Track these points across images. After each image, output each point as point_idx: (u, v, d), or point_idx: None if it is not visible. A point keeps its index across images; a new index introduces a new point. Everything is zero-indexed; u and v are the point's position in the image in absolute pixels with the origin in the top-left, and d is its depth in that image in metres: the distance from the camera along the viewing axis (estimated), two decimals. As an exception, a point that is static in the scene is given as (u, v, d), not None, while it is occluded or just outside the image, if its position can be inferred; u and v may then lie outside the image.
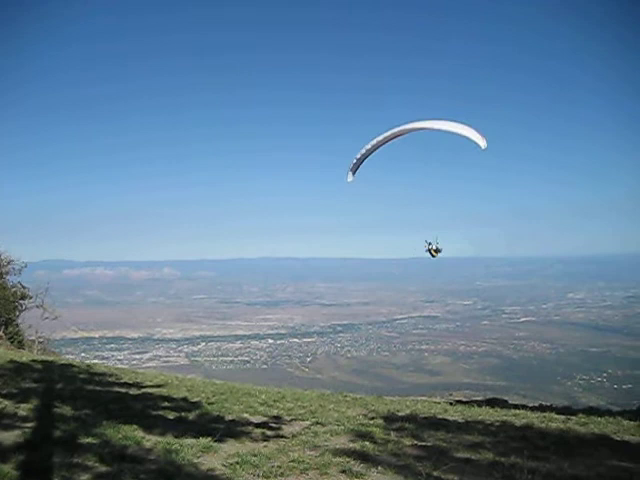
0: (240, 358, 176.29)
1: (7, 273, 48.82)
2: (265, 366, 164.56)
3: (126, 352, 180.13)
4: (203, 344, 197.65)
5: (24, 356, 28.13)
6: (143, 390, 17.58)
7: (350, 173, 21.28)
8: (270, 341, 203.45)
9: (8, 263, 48.50)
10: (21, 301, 48.48)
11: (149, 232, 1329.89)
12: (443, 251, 22.04)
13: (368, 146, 20.51)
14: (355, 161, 20.90)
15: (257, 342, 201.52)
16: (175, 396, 16.52)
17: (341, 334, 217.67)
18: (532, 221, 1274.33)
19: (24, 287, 49.10)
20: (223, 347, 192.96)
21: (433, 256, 22.51)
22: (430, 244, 21.98)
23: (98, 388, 17.39)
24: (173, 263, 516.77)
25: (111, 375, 21.27)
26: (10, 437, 9.48)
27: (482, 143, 19.43)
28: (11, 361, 22.19)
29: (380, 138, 20.24)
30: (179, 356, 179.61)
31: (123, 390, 17.20)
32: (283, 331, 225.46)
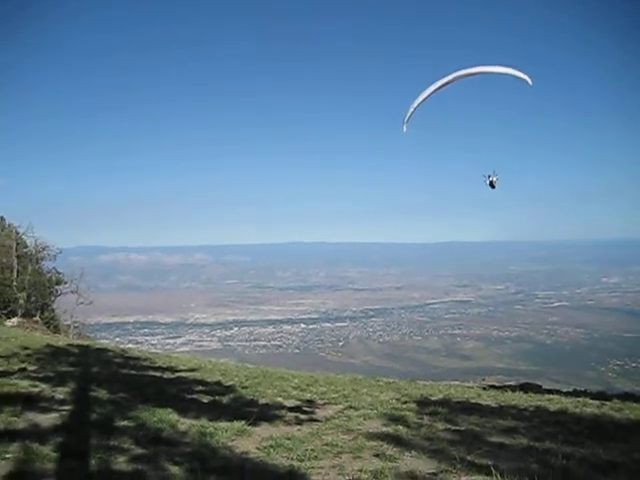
0: (273, 342, 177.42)
1: (42, 259, 49.51)
2: (297, 350, 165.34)
3: (159, 337, 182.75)
4: (236, 329, 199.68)
5: (60, 340, 28.55)
6: (177, 374, 17.73)
7: (405, 125, 21.39)
8: (302, 326, 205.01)
9: (43, 249, 49.14)
10: (56, 286, 49.20)
11: (181, 217, 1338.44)
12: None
13: (420, 98, 20.83)
14: (409, 113, 21.13)
15: (289, 327, 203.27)
16: (209, 380, 16.64)
17: (373, 319, 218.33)
18: (566, 204, 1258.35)
19: (59, 273, 49.80)
20: (256, 332, 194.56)
21: (492, 187, 22.49)
22: (489, 176, 22.10)
23: (133, 372, 17.59)
24: (205, 248, 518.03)
25: (145, 359, 21.50)
26: (48, 420, 9.63)
27: (529, 80, 20.26)
28: (48, 345, 22.51)
29: (432, 88, 20.54)
30: (212, 341, 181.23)
31: (157, 374, 17.37)
32: (315, 316, 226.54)
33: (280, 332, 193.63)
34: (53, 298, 49.37)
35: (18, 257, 46.50)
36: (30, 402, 10.91)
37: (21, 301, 44.09)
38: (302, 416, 11.85)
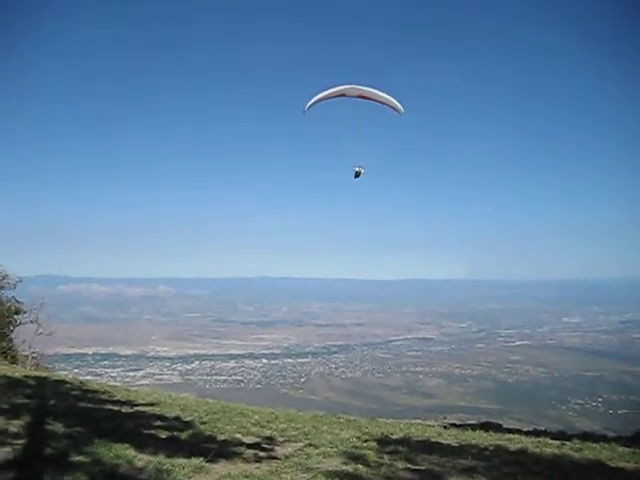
0: (234, 377, 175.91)
1: (2, 288, 48.61)
2: (259, 386, 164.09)
3: (119, 369, 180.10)
4: (197, 363, 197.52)
5: (17, 371, 28.00)
6: (136, 408, 17.46)
7: (306, 109, 26.32)
8: (264, 361, 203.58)
9: (3, 278, 48.26)
10: (15, 316, 48.19)
11: (144, 249, 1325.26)
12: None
13: (321, 95, 25.84)
14: (309, 104, 26.07)
15: (251, 362, 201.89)
16: (168, 415, 16.41)
17: (336, 355, 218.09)
18: (526, 243, 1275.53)
19: (18, 302, 48.84)
20: (217, 366, 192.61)
21: (356, 177, 27.19)
22: (358, 167, 27.13)
23: (90, 405, 17.28)
24: (168, 280, 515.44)
25: (104, 392, 21.15)
26: (0, 454, 9.40)
27: (400, 109, 26.49)
28: (4, 376, 22.07)
29: (332, 91, 25.64)
30: (173, 374, 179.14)
31: (115, 408, 17.09)
32: (277, 351, 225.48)
33: (242, 367, 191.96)
34: (12, 328, 48.38)
35: (-24, 286, 45.68)
36: (-17, 435, 10.67)
37: (-22, 331, 43.22)
38: (261, 453, 11.73)
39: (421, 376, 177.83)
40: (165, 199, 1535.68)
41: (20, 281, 49.55)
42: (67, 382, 24.63)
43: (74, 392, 20.38)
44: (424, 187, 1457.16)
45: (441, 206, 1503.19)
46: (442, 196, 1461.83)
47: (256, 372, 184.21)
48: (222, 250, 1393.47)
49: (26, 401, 16.18)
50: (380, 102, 26.37)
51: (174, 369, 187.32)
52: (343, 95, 26.03)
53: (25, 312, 48.79)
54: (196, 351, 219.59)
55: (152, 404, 19.08)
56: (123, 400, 19.29)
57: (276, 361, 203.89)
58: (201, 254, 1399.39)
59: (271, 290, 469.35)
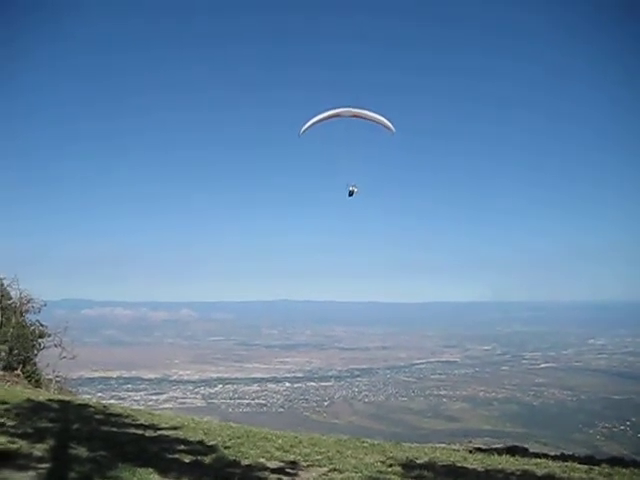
0: (257, 401, 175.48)
1: (26, 311, 48.93)
2: (282, 410, 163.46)
3: (143, 393, 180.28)
4: (220, 386, 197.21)
5: (41, 395, 28.13)
6: (159, 432, 17.46)
7: (302, 132, 29.18)
8: (287, 384, 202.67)
9: (28, 302, 48.60)
10: (39, 340, 48.41)
11: (168, 273, 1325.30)
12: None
13: (317, 118, 28.72)
14: (306, 126, 28.84)
15: (274, 385, 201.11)
16: (191, 439, 16.39)
17: (359, 378, 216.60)
18: (551, 264, 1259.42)
19: (43, 326, 49.10)
20: (240, 390, 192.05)
21: (350, 195, 29.54)
22: (352, 186, 29.45)
23: (114, 429, 17.30)
24: (191, 304, 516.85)
25: (127, 416, 21.17)
26: (24, 478, 9.43)
27: (392, 128, 29.47)
28: (28, 400, 22.17)
29: (329, 113, 28.47)
30: (196, 398, 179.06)
31: (139, 432, 17.09)
32: (301, 374, 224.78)
33: (265, 390, 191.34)
34: (36, 351, 48.53)
35: (2, 309, 46.05)
36: (7, 459, 10.70)
37: (3, 354, 43.46)
38: (285, 478, 11.68)
39: (445, 399, 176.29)
40: (188, 223, 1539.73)
41: (44, 305, 49.87)
42: (90, 406, 24.71)
43: (97, 416, 20.43)
44: (447, 209, 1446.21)
45: (465, 228, 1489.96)
46: (466, 218, 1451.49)
47: (279, 396, 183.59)
48: (244, 274, 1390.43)
49: (50, 425, 16.24)
50: (373, 121, 29.37)
51: (197, 393, 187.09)
52: (338, 116, 28.68)
53: (49, 336, 49.00)
54: (219, 375, 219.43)
55: (175, 428, 19.07)
56: (146, 424, 19.29)
57: (299, 385, 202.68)
58: (223, 278, 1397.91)
59: (294, 313, 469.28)
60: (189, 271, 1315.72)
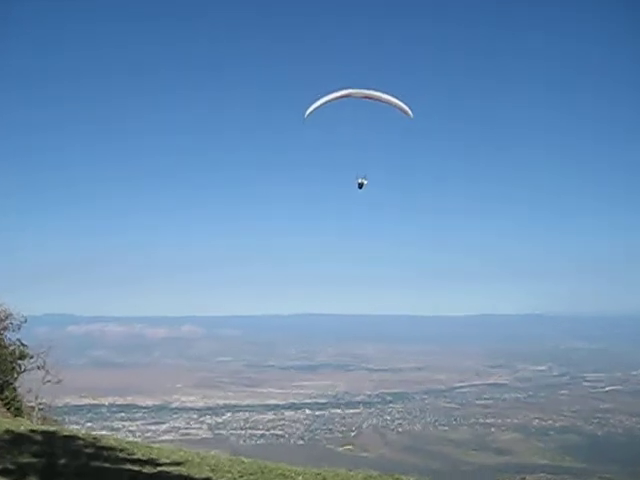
0: (272, 432, 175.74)
1: (5, 329, 49.16)
2: (302, 442, 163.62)
3: (139, 422, 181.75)
4: (229, 414, 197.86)
5: (22, 425, 28.27)
6: (159, 469, 17.49)
7: (306, 116, 30.70)
8: (308, 412, 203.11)
9: (6, 317, 48.84)
10: (20, 361, 48.59)
11: (167, 283, 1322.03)
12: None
13: (324, 100, 30.08)
14: (311, 109, 30.31)
15: (292, 413, 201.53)
16: (196, 476, 16.42)
17: (391, 404, 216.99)
18: (613, 273, 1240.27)
19: (23, 345, 49.27)
20: (252, 418, 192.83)
21: (360, 187, 31.72)
22: (361, 178, 31.40)
23: (106, 465, 17.35)
24: (195, 319, 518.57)
25: (122, 450, 21.23)
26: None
27: (409, 112, 30.92)
28: (7, 431, 22.25)
29: (337, 95, 29.86)
30: (201, 428, 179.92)
31: (136, 468, 17.13)
32: (323, 400, 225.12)
33: (281, 419, 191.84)
34: (16, 375, 48.77)
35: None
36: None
37: (-23, 378, 43.62)
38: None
39: (493, 429, 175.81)
40: (188, 227, 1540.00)
41: (25, 321, 50.09)
42: (79, 438, 24.80)
43: (87, 449, 20.50)
44: (492, 211, 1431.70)
45: (512, 231, 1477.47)
46: (514, 218, 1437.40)
47: (298, 425, 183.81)
48: (256, 283, 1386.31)
49: (33, 460, 16.29)
50: (387, 104, 30.77)
51: (202, 422, 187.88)
52: (349, 96, 30.11)
53: (31, 357, 49.16)
54: (227, 401, 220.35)
55: (178, 463, 19.10)
56: (144, 459, 19.33)
57: (321, 412, 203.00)
58: (232, 288, 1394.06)
59: (315, 329, 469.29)
60: (191, 282, 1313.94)
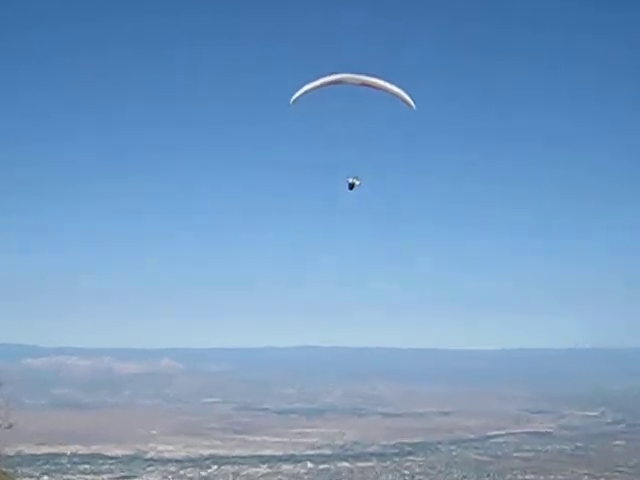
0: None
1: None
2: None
3: (107, 476, 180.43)
4: (215, 467, 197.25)
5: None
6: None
7: (293, 100, 32.62)
8: (310, 465, 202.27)
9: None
10: (-38, 401, 46.71)
11: (142, 310, 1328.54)
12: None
13: (313, 84, 31.76)
14: (298, 94, 32.14)
15: (291, 466, 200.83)
16: None
17: (411, 457, 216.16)
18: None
19: (-32, 380, 47.83)
20: (243, 472, 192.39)
21: (351, 188, 34.02)
22: (352, 178, 33.54)
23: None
24: (175, 351, 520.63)
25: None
26: None
27: (411, 103, 33.52)
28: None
29: (327, 79, 31.39)
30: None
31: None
32: (328, 451, 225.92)
33: (278, 473, 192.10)
34: (-40, 417, 46.46)
35: None
36: None
37: None
38: None
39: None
40: (169, 245, 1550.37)
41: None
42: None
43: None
44: (529, 232, 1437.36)
45: (557, 250, 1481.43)
46: (557, 236, 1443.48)
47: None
48: (248, 309, 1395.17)
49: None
50: (387, 92, 32.51)
51: (183, 476, 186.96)
52: (341, 83, 31.69)
53: (-23, 395, 47.46)
54: (214, 451, 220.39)
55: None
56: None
57: (326, 465, 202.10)
58: (219, 316, 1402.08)
59: (318, 365, 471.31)
60: (171, 308, 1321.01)
